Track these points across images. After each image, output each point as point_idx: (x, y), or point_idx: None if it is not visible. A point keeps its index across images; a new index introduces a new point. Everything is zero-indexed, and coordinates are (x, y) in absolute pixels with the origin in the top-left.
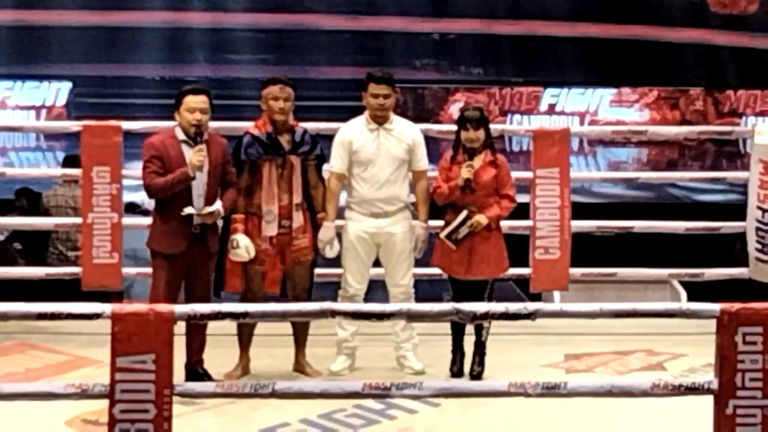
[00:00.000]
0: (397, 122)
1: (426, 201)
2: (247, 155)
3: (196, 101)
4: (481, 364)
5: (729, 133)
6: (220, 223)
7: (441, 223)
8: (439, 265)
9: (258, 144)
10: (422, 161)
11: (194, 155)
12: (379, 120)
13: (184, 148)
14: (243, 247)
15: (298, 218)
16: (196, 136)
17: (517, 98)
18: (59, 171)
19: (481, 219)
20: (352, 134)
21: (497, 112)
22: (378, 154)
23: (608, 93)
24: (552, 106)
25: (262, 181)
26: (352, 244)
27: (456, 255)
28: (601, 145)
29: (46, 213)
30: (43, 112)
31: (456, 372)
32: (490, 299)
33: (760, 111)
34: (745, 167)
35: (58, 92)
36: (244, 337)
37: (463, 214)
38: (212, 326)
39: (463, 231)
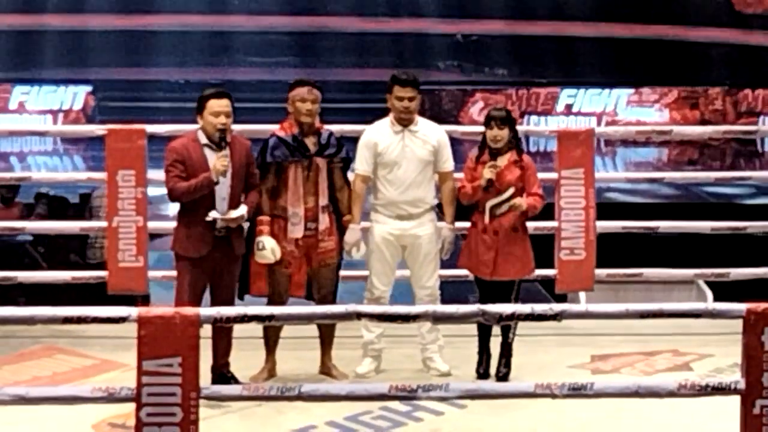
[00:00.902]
0: (421, 124)
1: (452, 202)
2: (273, 157)
3: (219, 105)
4: (508, 365)
5: (753, 133)
6: (245, 225)
7: (467, 224)
8: (466, 266)
9: (284, 146)
10: (448, 162)
11: (218, 161)
12: (404, 122)
13: (207, 152)
14: (269, 249)
15: (324, 220)
16: (220, 140)
17: (534, 99)
18: (84, 175)
19: (521, 202)
20: (377, 136)
21: (516, 113)
22: (403, 156)
23: (625, 93)
24: (569, 107)
25: (287, 183)
26: (378, 246)
27: (483, 256)
28: (621, 145)
29: (91, 212)
30: (60, 116)
31: (482, 373)
32: (516, 300)
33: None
34: (765, 166)
35: (75, 96)
36: (271, 340)
37: (511, 190)
38: (238, 329)
39: (504, 207)
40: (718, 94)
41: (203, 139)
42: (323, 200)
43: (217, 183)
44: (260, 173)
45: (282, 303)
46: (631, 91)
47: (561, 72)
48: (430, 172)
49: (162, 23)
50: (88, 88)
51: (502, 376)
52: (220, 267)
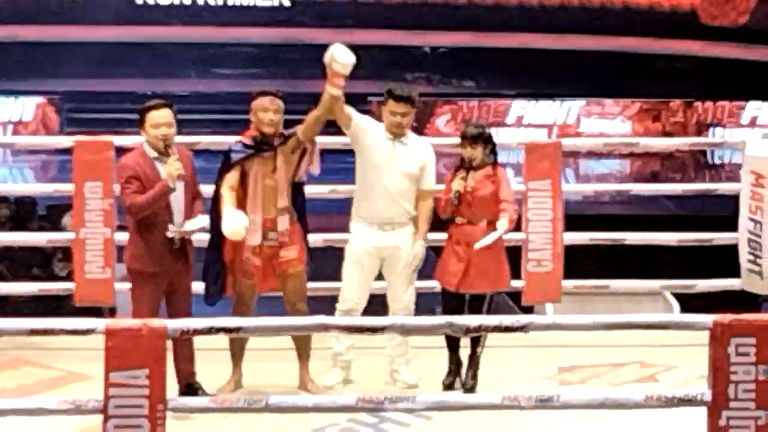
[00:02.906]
0: (412, 137)
1: (427, 220)
2: (234, 152)
3: (159, 116)
4: (475, 377)
5: (720, 144)
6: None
7: (443, 236)
8: (437, 277)
9: (245, 147)
10: (431, 181)
11: (170, 166)
12: (395, 135)
13: (158, 164)
14: (234, 220)
15: (283, 223)
16: (165, 148)
17: (485, 110)
18: (52, 186)
19: (502, 227)
20: (372, 128)
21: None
22: (391, 165)
23: (576, 105)
24: (520, 118)
25: (247, 188)
26: (358, 257)
27: (452, 267)
28: (583, 157)
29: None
30: (10, 128)
31: (448, 384)
32: (488, 314)
33: (728, 122)
34: (714, 178)
35: (24, 108)
36: (236, 351)
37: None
38: (203, 340)
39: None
40: (679, 107)
41: (151, 153)
42: (282, 202)
43: (173, 190)
44: (223, 174)
45: (248, 315)
46: (582, 102)
47: (530, 84)
48: (414, 186)
49: (130, 35)
50: (39, 100)
51: (469, 388)
52: (177, 279)
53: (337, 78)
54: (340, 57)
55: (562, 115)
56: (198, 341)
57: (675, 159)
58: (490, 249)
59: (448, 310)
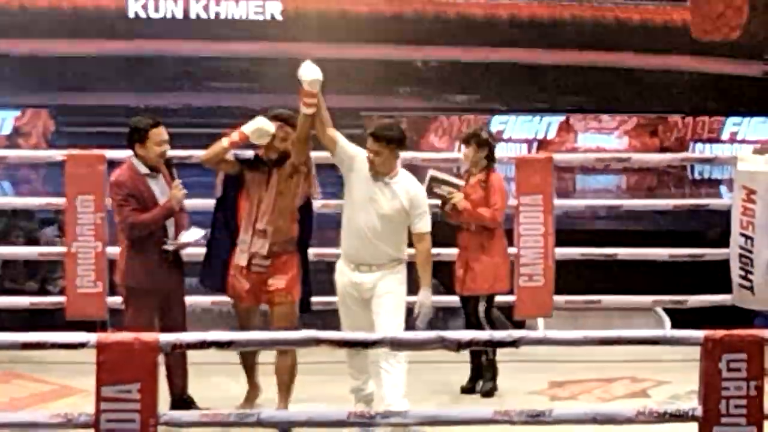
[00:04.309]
0: (401, 177)
1: (426, 265)
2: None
3: (161, 133)
4: (491, 380)
5: (712, 160)
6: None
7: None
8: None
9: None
10: (421, 222)
11: (176, 190)
12: (375, 173)
13: (150, 181)
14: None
15: (258, 245)
16: (170, 168)
17: (465, 126)
18: (44, 200)
19: (458, 198)
20: (358, 158)
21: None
22: (369, 203)
23: (556, 120)
24: (499, 133)
25: (247, 206)
26: (343, 298)
27: (457, 271)
28: (580, 172)
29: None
30: None
31: (467, 389)
32: (488, 317)
33: (708, 138)
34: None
35: (3, 122)
36: (247, 366)
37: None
38: (197, 354)
39: (447, 207)
40: (676, 123)
41: (143, 169)
42: (261, 224)
43: (176, 211)
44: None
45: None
46: (562, 118)
47: (522, 98)
48: (397, 227)
49: (121, 48)
50: (16, 113)
51: (486, 392)
52: (171, 294)
53: (306, 97)
54: (305, 74)
55: (542, 130)
56: (192, 355)
57: (671, 175)
58: (483, 252)
59: (466, 314)
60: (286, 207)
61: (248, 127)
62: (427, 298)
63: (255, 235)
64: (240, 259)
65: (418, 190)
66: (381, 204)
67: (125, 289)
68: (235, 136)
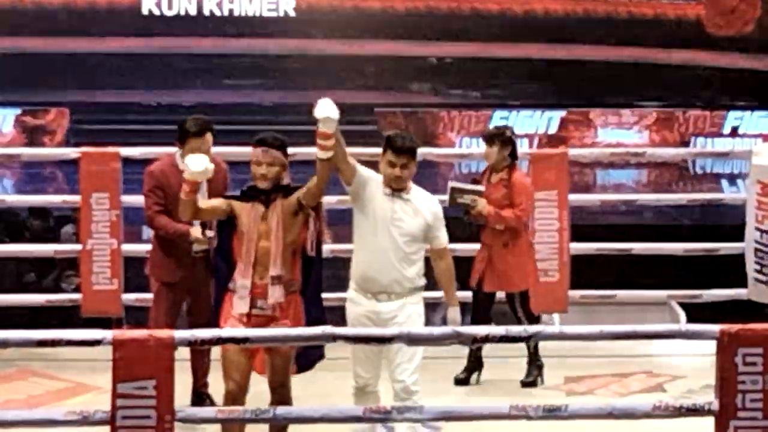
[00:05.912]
0: (415, 192)
1: (450, 280)
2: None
3: (203, 142)
4: (535, 371)
5: (726, 155)
6: None
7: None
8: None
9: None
10: (441, 237)
11: (201, 239)
12: (394, 189)
13: None
14: (197, 160)
15: (275, 294)
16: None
17: (466, 121)
18: (60, 198)
19: (481, 204)
20: (372, 180)
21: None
22: (391, 224)
23: (557, 114)
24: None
25: (241, 248)
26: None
27: (477, 266)
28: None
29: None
30: None
31: (460, 380)
32: (526, 311)
33: (709, 132)
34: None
35: (4, 119)
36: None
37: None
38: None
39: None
40: (692, 116)
41: (182, 165)
42: (275, 270)
43: (192, 242)
44: None
45: (240, 390)
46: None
47: (538, 94)
48: (417, 248)
49: (135, 46)
50: (17, 111)
51: (528, 383)
52: (197, 287)
53: (321, 138)
54: (319, 113)
55: (543, 125)
56: (216, 351)
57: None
58: (507, 250)
59: (475, 310)
60: (290, 244)
61: (186, 172)
62: (457, 315)
63: (271, 282)
64: (240, 305)
65: (437, 203)
66: (405, 221)
67: (151, 279)
68: (185, 186)
